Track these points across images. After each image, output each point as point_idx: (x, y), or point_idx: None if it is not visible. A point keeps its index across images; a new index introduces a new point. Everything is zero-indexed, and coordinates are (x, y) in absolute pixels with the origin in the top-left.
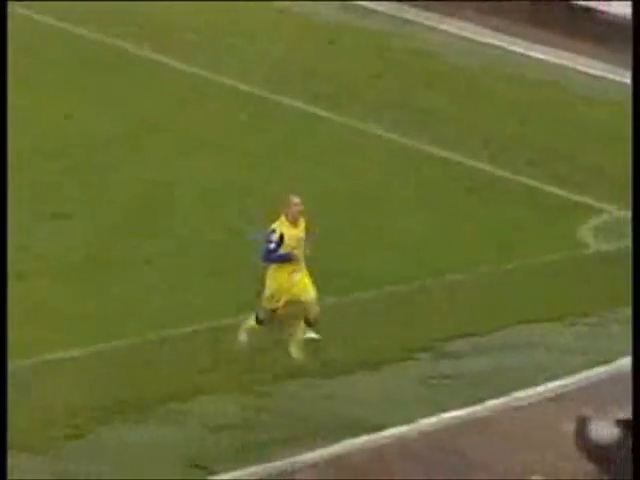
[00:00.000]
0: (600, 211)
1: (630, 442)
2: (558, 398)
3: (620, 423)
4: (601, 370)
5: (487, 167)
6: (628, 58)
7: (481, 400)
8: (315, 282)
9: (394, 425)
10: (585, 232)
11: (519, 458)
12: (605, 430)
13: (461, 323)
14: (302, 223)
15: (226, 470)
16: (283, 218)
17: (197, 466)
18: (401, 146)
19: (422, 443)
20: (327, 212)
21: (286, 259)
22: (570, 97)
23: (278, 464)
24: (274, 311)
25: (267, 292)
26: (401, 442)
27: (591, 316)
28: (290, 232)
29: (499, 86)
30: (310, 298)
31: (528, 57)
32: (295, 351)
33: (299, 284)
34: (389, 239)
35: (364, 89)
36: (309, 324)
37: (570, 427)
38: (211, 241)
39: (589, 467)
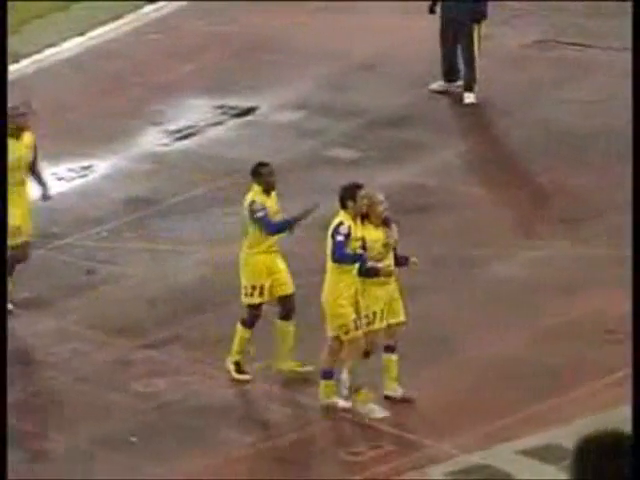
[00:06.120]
0: None
1: None
2: None
3: None
4: None
5: None
6: None
7: None
8: None
9: None
10: None
11: None
12: None
13: None
14: (382, 228)
15: None
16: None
17: None
18: None
19: None
20: None
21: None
22: None
23: None
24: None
25: (363, 313)
26: None
27: None
28: (371, 235)
29: None
30: (400, 320)
31: None
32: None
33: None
34: None
35: None
36: (367, 355)
37: None
38: None
39: None
